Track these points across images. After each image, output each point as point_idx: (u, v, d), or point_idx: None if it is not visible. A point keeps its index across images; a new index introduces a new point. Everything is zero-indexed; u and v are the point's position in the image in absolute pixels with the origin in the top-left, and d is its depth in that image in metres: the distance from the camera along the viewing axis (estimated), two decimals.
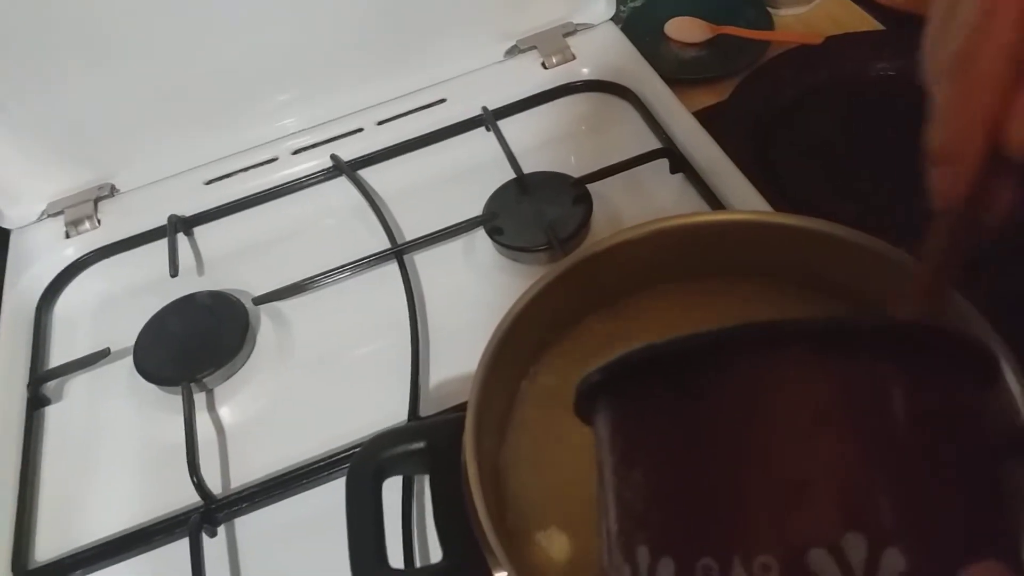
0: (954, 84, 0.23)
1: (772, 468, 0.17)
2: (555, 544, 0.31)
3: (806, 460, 0.17)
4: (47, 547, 0.44)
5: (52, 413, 0.51)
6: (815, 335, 0.17)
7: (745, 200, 0.51)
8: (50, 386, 0.51)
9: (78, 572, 0.43)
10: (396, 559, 0.36)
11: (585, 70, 0.63)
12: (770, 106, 0.62)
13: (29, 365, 0.52)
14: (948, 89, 0.23)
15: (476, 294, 0.52)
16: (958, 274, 0.25)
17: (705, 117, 0.58)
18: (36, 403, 0.50)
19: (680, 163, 0.55)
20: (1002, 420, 0.19)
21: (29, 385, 0.50)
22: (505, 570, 0.26)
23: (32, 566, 0.43)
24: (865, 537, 0.16)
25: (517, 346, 0.35)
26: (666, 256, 0.37)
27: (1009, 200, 0.24)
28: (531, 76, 0.63)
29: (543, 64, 0.63)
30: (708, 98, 0.64)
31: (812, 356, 0.17)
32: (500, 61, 0.64)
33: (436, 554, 0.33)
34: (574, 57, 0.64)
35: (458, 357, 0.48)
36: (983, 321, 0.28)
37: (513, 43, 0.64)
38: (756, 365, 0.18)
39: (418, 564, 0.36)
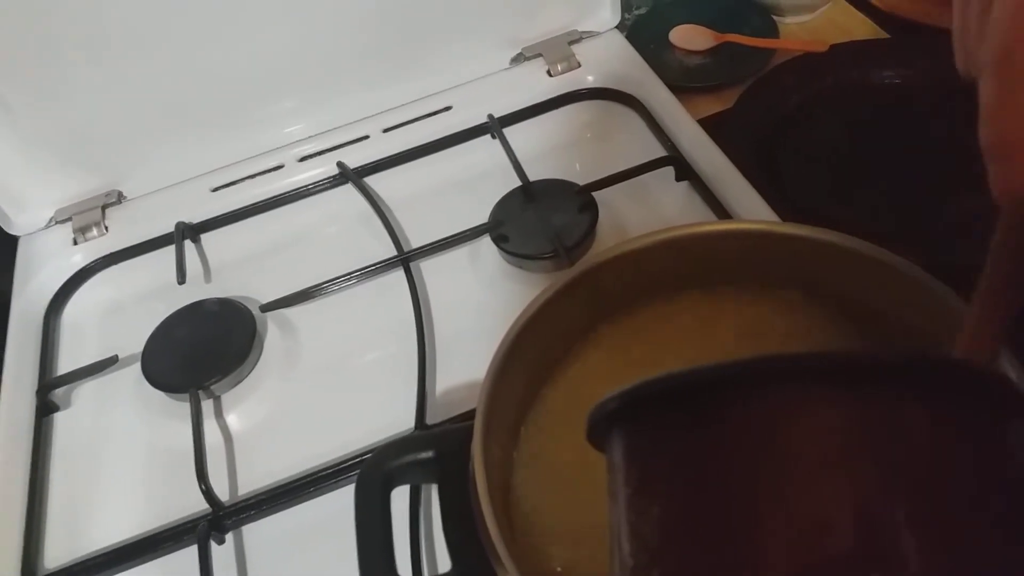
0: (998, 79, 0.23)
1: (792, 505, 0.16)
2: (564, 558, 0.31)
3: (827, 497, 0.16)
4: (56, 554, 0.45)
5: (60, 420, 0.51)
6: (838, 369, 0.17)
7: (750, 208, 0.51)
8: (58, 393, 0.51)
9: None
10: (404, 568, 0.36)
11: (590, 78, 0.63)
12: (775, 114, 0.63)
13: (38, 372, 0.53)
14: (993, 85, 0.23)
15: (482, 301, 0.52)
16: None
17: (710, 125, 0.58)
18: (44, 410, 0.50)
19: (685, 171, 0.55)
20: None
21: (38, 392, 0.51)
22: None
23: (41, 573, 0.44)
24: None
25: (526, 355, 0.35)
26: (673, 265, 0.37)
27: None
28: (537, 84, 0.63)
29: (548, 72, 0.64)
30: (713, 106, 0.64)
31: (835, 390, 0.17)
32: (506, 69, 0.65)
33: (444, 563, 0.33)
34: (579, 65, 0.64)
35: (465, 364, 0.48)
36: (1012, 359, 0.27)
37: (519, 51, 0.65)
38: (777, 398, 0.17)
39: (426, 574, 0.36)
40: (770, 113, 0.63)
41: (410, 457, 0.33)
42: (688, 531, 0.18)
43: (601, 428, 0.21)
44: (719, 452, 0.18)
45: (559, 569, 0.30)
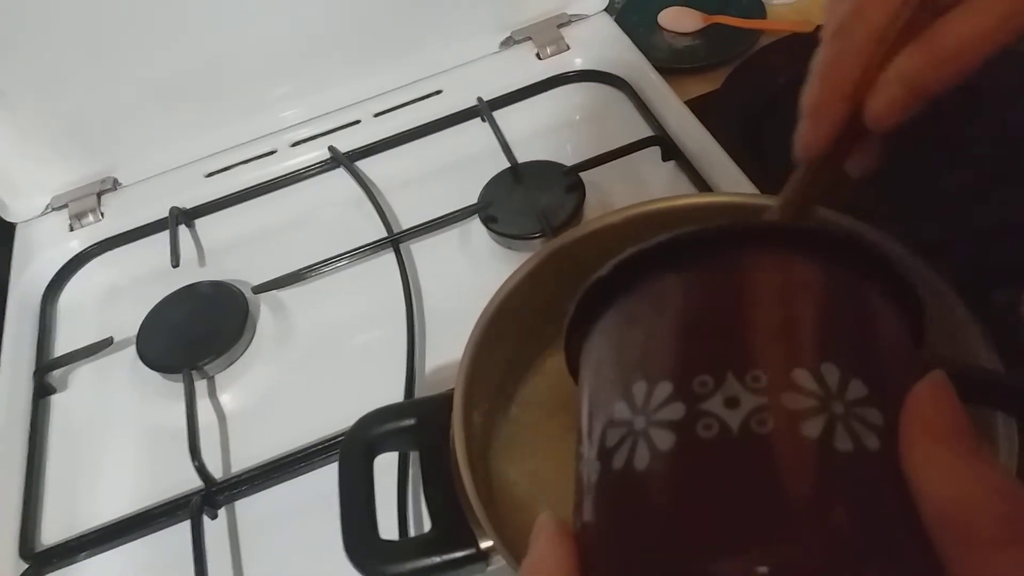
0: (831, 47, 0.25)
1: (760, 318, 0.20)
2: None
3: (784, 315, 0.20)
4: (53, 531, 0.46)
5: (57, 401, 0.52)
6: (786, 233, 0.22)
7: (735, 186, 0.51)
8: (55, 375, 0.52)
9: (83, 554, 0.44)
10: (391, 532, 0.37)
11: (579, 60, 0.64)
12: (762, 94, 0.63)
13: (35, 354, 0.53)
14: (827, 50, 0.25)
15: (471, 281, 0.52)
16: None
17: (698, 106, 0.59)
18: (42, 391, 0.51)
19: (672, 151, 0.55)
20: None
21: (35, 374, 0.52)
22: (491, 539, 0.27)
23: (39, 549, 0.44)
24: (837, 368, 0.19)
25: (508, 326, 0.36)
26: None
27: (867, 160, 0.27)
28: (526, 67, 0.64)
29: (538, 55, 0.64)
30: (701, 87, 0.65)
31: (788, 249, 0.22)
32: (495, 52, 0.65)
33: (428, 526, 0.33)
34: (568, 48, 0.64)
35: (453, 343, 0.48)
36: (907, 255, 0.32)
37: (508, 34, 0.65)
38: (744, 244, 0.21)
39: (412, 534, 0.37)
40: (757, 93, 0.63)
41: (392, 425, 0.34)
42: (668, 337, 0.21)
43: (583, 314, 0.24)
44: (696, 284, 0.22)
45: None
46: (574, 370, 0.25)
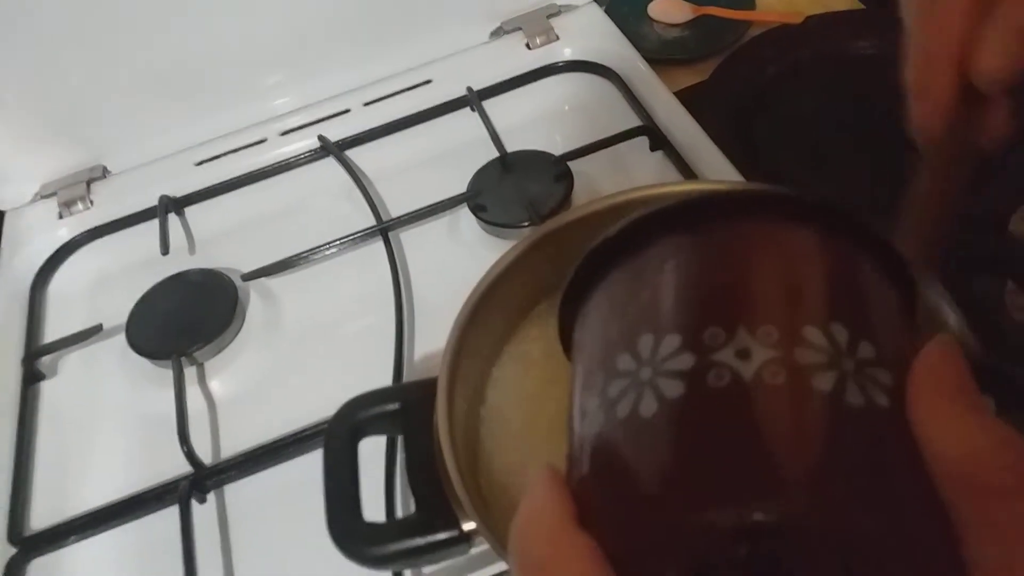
0: (923, 21, 0.24)
1: (772, 275, 0.21)
2: None
3: (794, 279, 0.21)
4: (43, 516, 0.46)
5: (47, 388, 0.52)
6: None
7: (722, 176, 0.52)
8: (45, 361, 0.52)
9: (72, 539, 0.44)
10: (380, 515, 0.38)
11: (568, 51, 0.64)
12: (752, 85, 0.63)
13: (24, 341, 0.53)
14: (918, 26, 0.24)
15: (460, 270, 0.52)
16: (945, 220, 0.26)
17: (687, 96, 0.59)
18: (31, 378, 0.51)
19: (659, 141, 0.56)
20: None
21: (24, 360, 0.52)
22: (474, 521, 0.28)
23: (28, 533, 0.45)
24: (846, 328, 0.19)
25: (494, 312, 0.36)
26: None
27: (997, 125, 0.26)
28: (515, 57, 0.64)
29: (527, 45, 0.64)
30: (690, 78, 0.65)
31: (797, 221, 0.22)
32: (485, 42, 0.65)
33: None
34: (558, 38, 0.64)
35: (442, 330, 0.48)
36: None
37: (498, 24, 0.65)
38: (753, 211, 0.22)
39: (399, 516, 0.37)
40: (747, 84, 0.63)
41: (376, 409, 0.34)
42: (677, 294, 0.21)
43: (580, 288, 0.24)
44: (704, 248, 0.22)
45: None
46: (567, 339, 0.25)
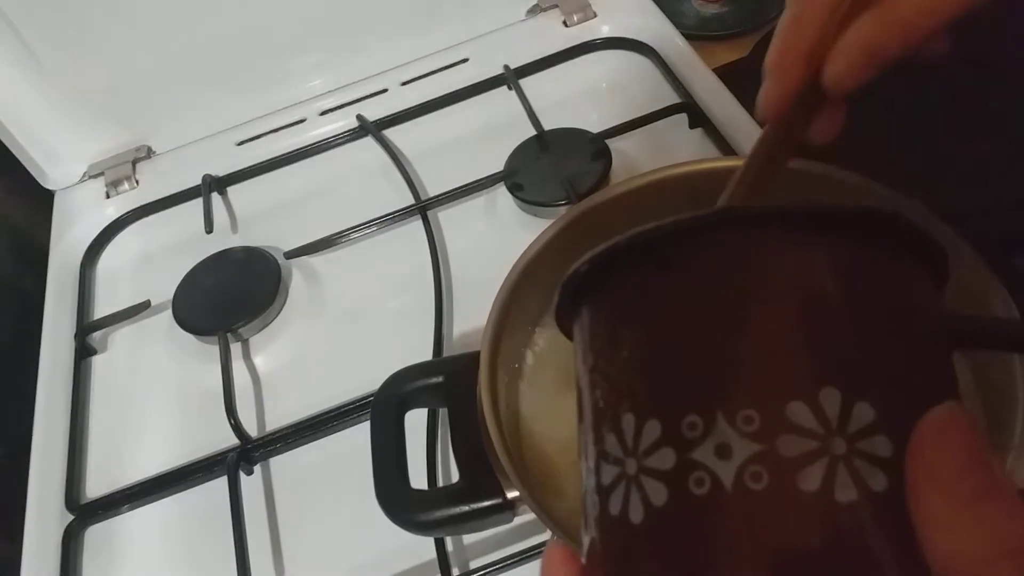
0: (792, 10, 0.26)
1: (751, 335, 0.18)
2: (564, 478, 0.33)
3: (781, 328, 0.18)
4: (97, 485, 0.48)
5: (98, 362, 0.54)
6: (783, 216, 0.19)
7: None
8: (95, 337, 0.54)
9: (125, 507, 0.46)
10: (421, 482, 0.38)
11: (606, 28, 0.64)
12: None
13: (76, 317, 0.55)
14: (788, 13, 0.26)
15: (497, 248, 0.52)
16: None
17: (726, 73, 0.58)
18: (83, 353, 0.53)
19: (699, 118, 0.55)
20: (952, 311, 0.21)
21: (76, 336, 0.53)
22: (517, 489, 0.28)
23: (83, 501, 0.46)
24: (839, 392, 0.17)
25: (533, 288, 0.37)
26: (675, 203, 0.38)
27: (828, 126, 0.28)
28: (552, 34, 0.64)
29: (564, 22, 0.64)
30: (730, 54, 0.65)
31: (782, 235, 0.19)
32: (522, 20, 0.65)
33: (456, 477, 0.34)
34: (595, 15, 0.64)
35: (480, 308, 0.48)
36: (938, 222, 0.32)
37: (535, 2, 0.65)
38: (729, 244, 0.19)
39: (440, 485, 0.38)
40: None
41: (421, 382, 0.35)
42: (657, 365, 0.19)
43: (570, 303, 0.22)
44: (681, 295, 0.19)
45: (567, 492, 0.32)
46: (566, 322, 0.24)
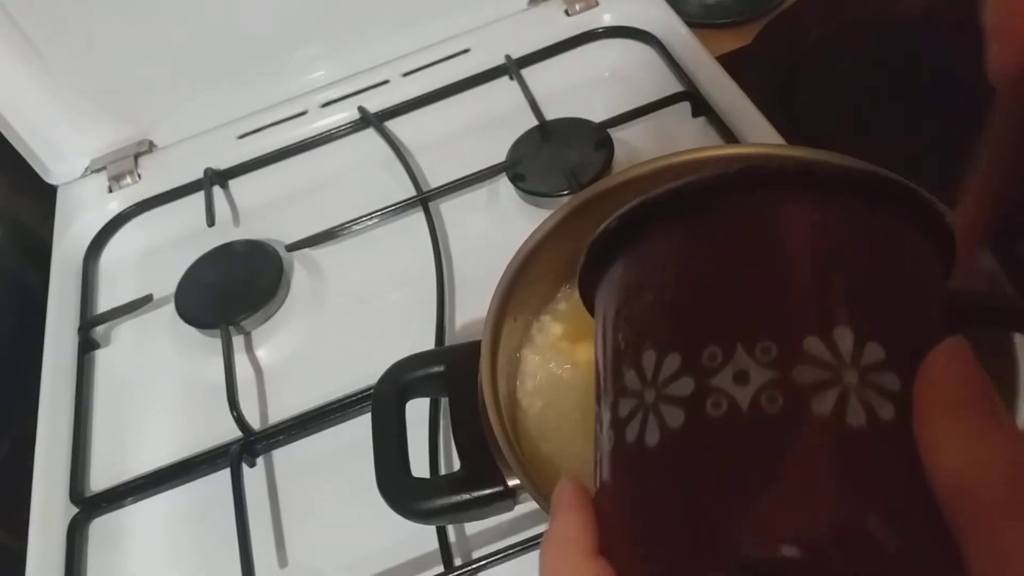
0: None
1: (772, 279, 0.19)
2: (568, 465, 0.33)
3: (799, 274, 0.19)
4: (101, 478, 0.48)
5: (101, 356, 0.54)
6: (807, 175, 0.20)
7: (765, 141, 0.51)
8: (99, 331, 0.54)
9: (129, 499, 0.46)
10: (424, 472, 0.38)
11: (608, 17, 0.63)
12: (795, 50, 0.62)
13: (79, 312, 0.55)
14: None
15: (499, 239, 0.51)
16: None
17: (730, 62, 0.58)
18: (86, 347, 0.53)
19: (702, 107, 0.55)
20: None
21: (79, 330, 0.53)
22: (518, 477, 0.28)
23: (88, 494, 0.47)
24: (852, 331, 0.18)
25: (535, 280, 0.37)
26: None
27: None
28: (554, 24, 0.63)
29: (566, 11, 0.64)
30: (733, 42, 0.64)
31: (806, 194, 0.20)
32: (523, 10, 0.65)
33: (458, 466, 0.34)
34: (597, 4, 0.64)
35: (482, 299, 0.48)
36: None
37: None
38: (757, 199, 0.20)
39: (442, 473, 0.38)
40: (790, 49, 0.62)
41: (422, 371, 0.34)
42: (679, 305, 0.20)
43: (592, 265, 0.23)
44: (705, 245, 0.21)
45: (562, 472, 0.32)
46: (590, 309, 0.25)
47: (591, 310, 0.25)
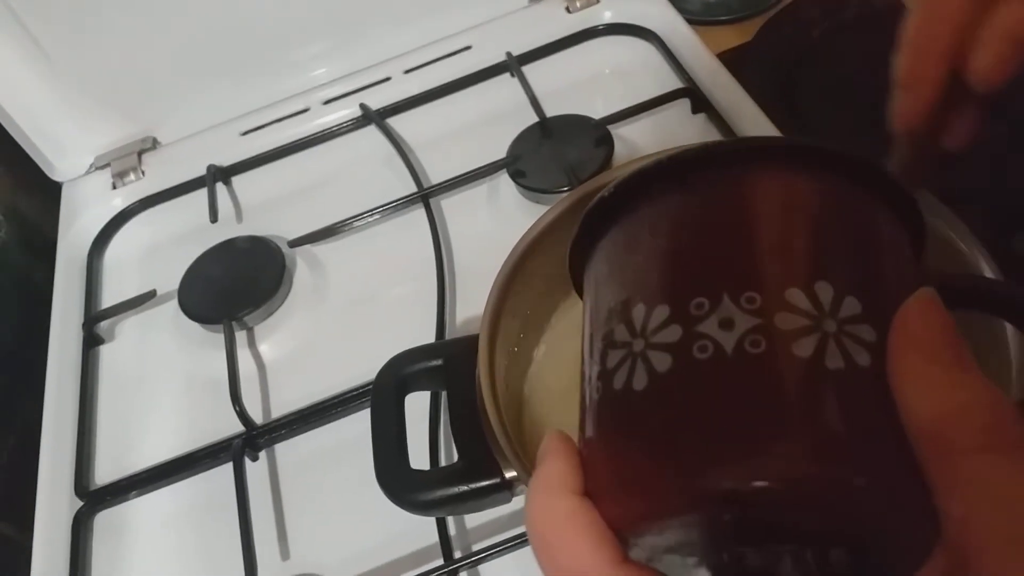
0: (921, 13, 0.24)
1: (757, 237, 0.21)
2: None
3: (783, 234, 0.21)
4: (106, 472, 0.48)
5: (106, 351, 0.54)
6: (793, 151, 0.21)
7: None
8: (103, 326, 0.55)
9: (133, 493, 0.46)
10: (423, 462, 0.39)
11: (608, 14, 0.64)
12: (796, 47, 0.62)
13: (83, 307, 0.56)
14: (915, 17, 0.24)
15: (500, 235, 0.52)
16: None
17: (730, 59, 0.58)
18: (91, 342, 0.54)
19: (702, 103, 0.55)
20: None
21: (84, 325, 0.54)
22: (515, 469, 0.28)
23: (92, 487, 0.47)
24: (831, 285, 0.19)
25: (534, 271, 0.37)
26: None
27: (967, 129, 0.26)
28: (555, 21, 0.64)
29: (567, 8, 0.64)
30: (733, 39, 0.64)
31: (788, 167, 0.21)
32: (524, 7, 0.65)
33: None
34: (598, 1, 0.64)
35: (482, 294, 0.49)
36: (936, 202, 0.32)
37: None
38: (739, 163, 0.21)
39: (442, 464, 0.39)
40: (791, 46, 0.62)
41: (420, 365, 0.35)
42: (666, 261, 0.21)
43: (585, 236, 0.24)
44: (692, 209, 0.22)
45: None
46: (579, 289, 0.26)
47: (579, 289, 0.25)
